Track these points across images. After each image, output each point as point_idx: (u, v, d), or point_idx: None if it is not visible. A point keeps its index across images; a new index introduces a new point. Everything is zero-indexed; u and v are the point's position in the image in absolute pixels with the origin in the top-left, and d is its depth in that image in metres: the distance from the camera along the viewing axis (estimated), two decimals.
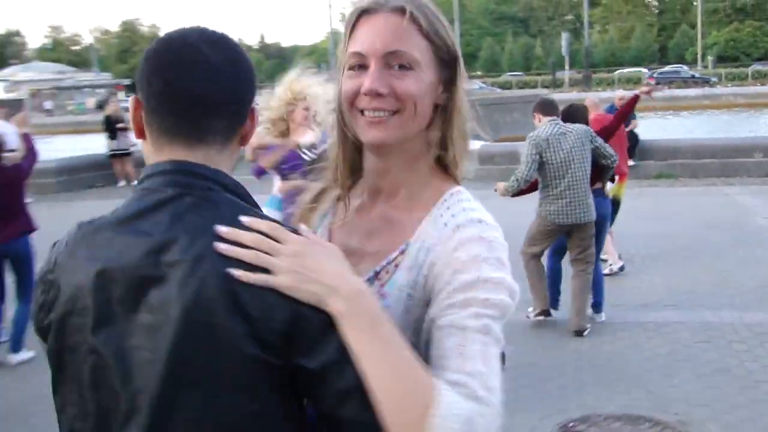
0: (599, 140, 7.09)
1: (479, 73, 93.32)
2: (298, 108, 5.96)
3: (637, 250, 9.82)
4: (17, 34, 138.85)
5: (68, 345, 1.53)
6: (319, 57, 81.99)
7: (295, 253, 1.44)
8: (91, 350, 1.48)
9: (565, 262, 7.27)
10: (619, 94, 17.00)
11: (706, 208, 12.56)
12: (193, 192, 1.52)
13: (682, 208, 12.63)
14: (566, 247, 7.22)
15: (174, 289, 1.40)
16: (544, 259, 7.30)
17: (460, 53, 1.76)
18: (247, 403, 1.42)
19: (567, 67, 62.79)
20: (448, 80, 1.74)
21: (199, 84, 1.54)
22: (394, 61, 1.64)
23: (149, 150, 1.61)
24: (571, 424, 5.29)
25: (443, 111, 1.74)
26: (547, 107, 7.31)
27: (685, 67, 67.15)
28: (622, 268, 9.02)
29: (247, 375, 1.41)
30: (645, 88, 10.87)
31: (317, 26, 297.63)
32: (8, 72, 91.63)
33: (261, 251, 1.42)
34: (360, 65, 1.67)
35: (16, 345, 7.16)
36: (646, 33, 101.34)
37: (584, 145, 6.90)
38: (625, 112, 8.96)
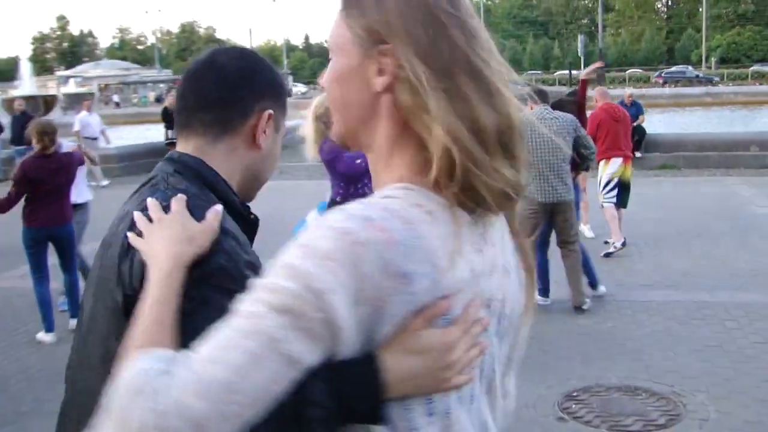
0: (583, 131, 7.05)
1: None
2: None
3: (642, 235, 9.72)
4: (90, 35, 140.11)
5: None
6: None
7: (154, 227, 1.47)
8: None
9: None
10: (628, 92, 16.94)
11: (706, 198, 12.43)
12: (157, 176, 1.65)
13: (684, 197, 12.52)
14: (548, 239, 7.16)
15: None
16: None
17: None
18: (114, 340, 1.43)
19: (582, 66, 62.06)
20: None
21: (186, 87, 1.72)
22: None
23: None
24: (574, 393, 5.25)
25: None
26: (539, 96, 7.23)
27: (690, 68, 66.65)
28: (624, 244, 8.98)
29: (115, 317, 1.49)
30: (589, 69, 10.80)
31: None
32: (81, 69, 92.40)
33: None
34: None
35: (74, 309, 7.24)
36: (655, 36, 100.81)
37: (567, 132, 6.83)
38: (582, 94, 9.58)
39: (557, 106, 7.42)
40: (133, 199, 1.64)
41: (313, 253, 1.12)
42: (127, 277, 1.47)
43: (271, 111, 1.68)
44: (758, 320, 6.53)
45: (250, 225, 1.70)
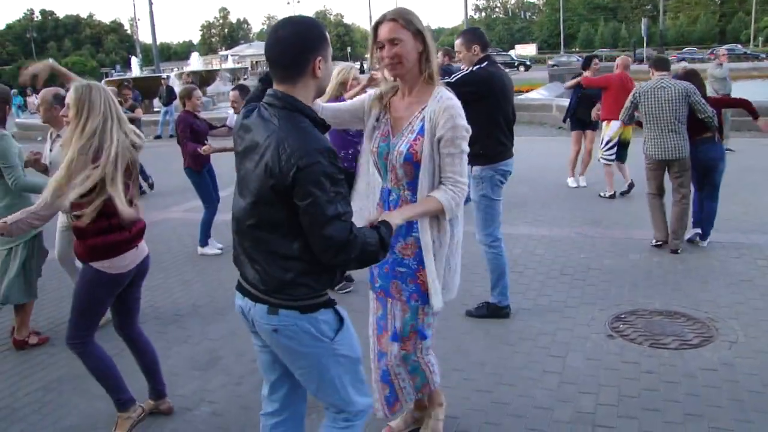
0: (697, 97, 6.35)
1: (577, 49, 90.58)
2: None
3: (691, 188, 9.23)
4: (245, 22, 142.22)
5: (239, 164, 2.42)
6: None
7: None
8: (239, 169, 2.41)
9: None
10: (682, 65, 16.03)
11: (746, 156, 11.71)
12: (273, 107, 2.30)
13: (728, 155, 11.81)
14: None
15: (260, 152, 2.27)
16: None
17: (425, 30, 2.85)
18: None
19: (645, 45, 59.43)
20: (422, 41, 2.85)
21: (267, 53, 2.31)
22: (394, 41, 2.82)
23: None
24: (622, 315, 5.06)
25: (424, 54, 2.87)
26: (658, 63, 6.74)
27: (740, 46, 62.88)
28: (623, 193, 9.02)
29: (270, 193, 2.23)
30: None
31: (456, 11, 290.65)
32: (237, 49, 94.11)
33: None
34: (381, 46, 2.87)
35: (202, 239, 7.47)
36: (709, 19, 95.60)
37: (680, 98, 6.32)
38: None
39: (683, 76, 6.77)
40: (263, 124, 2.27)
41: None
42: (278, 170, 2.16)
43: (320, 57, 2.30)
44: None
45: (324, 128, 2.37)
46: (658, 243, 6.69)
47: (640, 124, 6.89)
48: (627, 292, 5.55)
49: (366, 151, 3.11)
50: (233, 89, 7.45)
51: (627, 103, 6.79)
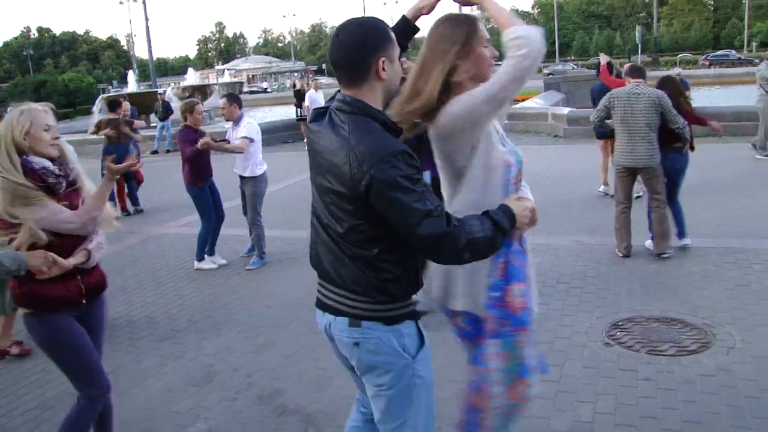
0: (667, 106, 6.31)
1: (572, 57, 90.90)
2: None
3: (685, 192, 9.21)
4: (241, 36, 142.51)
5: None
6: None
7: None
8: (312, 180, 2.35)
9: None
10: (676, 71, 16.05)
11: (742, 161, 11.71)
12: (343, 110, 2.20)
13: (723, 160, 11.84)
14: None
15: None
16: None
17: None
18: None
19: (639, 52, 59.63)
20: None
21: (331, 58, 2.21)
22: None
23: None
24: (620, 323, 5.04)
25: None
26: (633, 71, 6.75)
27: (733, 51, 63.05)
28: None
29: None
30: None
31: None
32: (234, 63, 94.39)
33: None
34: (485, 45, 2.52)
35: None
36: (703, 25, 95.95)
37: (652, 106, 6.30)
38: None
39: (658, 84, 6.74)
40: (334, 130, 2.18)
41: None
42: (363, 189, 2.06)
43: (383, 58, 2.18)
44: None
45: (397, 132, 2.23)
46: (625, 255, 6.65)
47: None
48: (624, 299, 5.54)
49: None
50: (222, 97, 7.45)
51: (600, 105, 6.78)
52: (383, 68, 2.18)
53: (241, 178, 7.35)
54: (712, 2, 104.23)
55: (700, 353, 4.47)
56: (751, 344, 4.54)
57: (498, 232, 2.18)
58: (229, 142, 7.30)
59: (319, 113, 2.33)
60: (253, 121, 7.38)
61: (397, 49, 2.25)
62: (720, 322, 4.94)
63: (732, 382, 4.05)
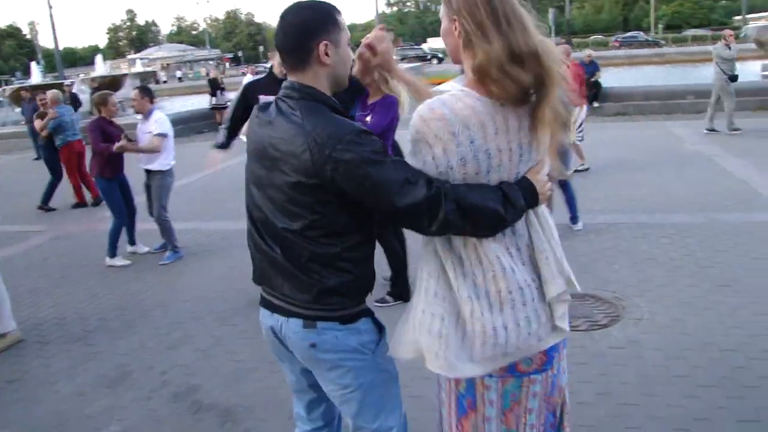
0: None
1: None
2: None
3: (596, 170, 9.54)
4: (154, 24, 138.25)
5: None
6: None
7: None
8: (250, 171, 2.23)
9: None
10: (587, 52, 16.52)
11: (650, 138, 12.17)
12: (290, 96, 2.09)
13: (632, 138, 12.29)
14: None
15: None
16: None
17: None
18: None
19: (553, 34, 61.03)
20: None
21: (276, 41, 2.13)
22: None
23: None
24: None
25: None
26: None
27: (642, 33, 65.31)
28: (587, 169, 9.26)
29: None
30: None
31: (367, 6, 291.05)
32: (147, 52, 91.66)
33: None
34: None
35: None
36: (613, 8, 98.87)
37: None
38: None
39: None
40: (284, 119, 2.04)
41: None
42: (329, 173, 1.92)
43: (325, 41, 2.06)
44: (687, 237, 6.38)
45: (347, 117, 2.08)
46: None
47: None
48: None
49: None
50: (135, 89, 7.23)
51: None
52: (326, 53, 2.06)
53: (148, 172, 7.14)
54: None
55: (610, 326, 4.62)
56: (657, 315, 4.73)
57: (507, 204, 1.88)
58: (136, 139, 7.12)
59: (264, 105, 2.20)
60: (163, 116, 7.18)
61: (344, 34, 2.12)
62: (629, 295, 5.12)
63: (640, 352, 4.21)
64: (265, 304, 2.27)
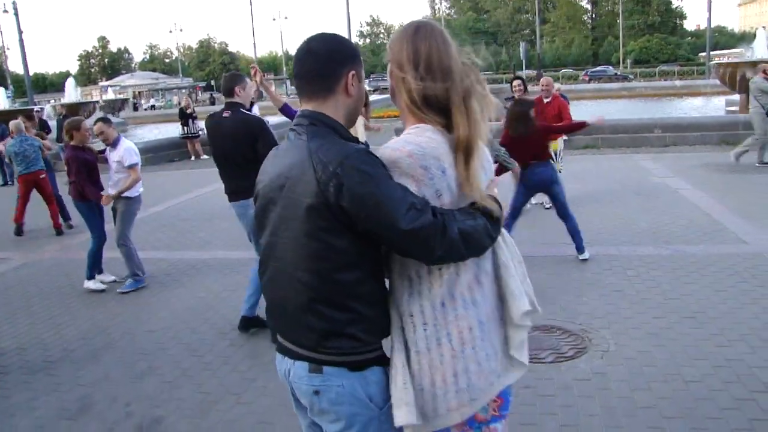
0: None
1: None
2: None
3: (569, 201, 9.63)
4: (126, 51, 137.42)
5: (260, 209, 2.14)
6: None
7: None
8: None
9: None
10: (556, 86, 16.78)
11: (618, 171, 12.37)
12: (301, 126, 2.04)
13: (601, 171, 12.47)
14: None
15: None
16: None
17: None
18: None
19: (524, 67, 62.01)
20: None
21: (296, 68, 2.09)
22: None
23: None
24: None
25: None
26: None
27: (611, 68, 66.71)
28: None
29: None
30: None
31: None
32: (119, 79, 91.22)
33: None
34: None
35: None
36: (582, 43, 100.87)
37: None
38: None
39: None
40: (292, 146, 2.04)
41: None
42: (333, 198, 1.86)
43: (353, 71, 2.07)
44: (653, 269, 6.47)
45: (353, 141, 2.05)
46: None
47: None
48: None
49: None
50: (96, 121, 7.19)
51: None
52: (352, 83, 2.05)
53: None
54: (590, 21, 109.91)
55: (577, 358, 4.66)
56: (624, 347, 4.78)
57: (491, 221, 1.97)
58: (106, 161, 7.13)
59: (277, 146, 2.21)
60: (131, 145, 7.16)
61: (363, 71, 2.13)
62: (596, 327, 5.16)
63: (606, 384, 4.25)
64: (279, 347, 2.16)
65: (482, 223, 1.94)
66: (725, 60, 28.42)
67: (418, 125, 1.99)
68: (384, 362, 2.05)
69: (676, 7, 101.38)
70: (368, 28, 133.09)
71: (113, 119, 22.21)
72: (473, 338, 1.95)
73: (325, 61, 2.04)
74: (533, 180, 6.92)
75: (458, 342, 1.94)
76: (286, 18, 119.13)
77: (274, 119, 16.28)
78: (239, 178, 5.29)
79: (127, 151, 6.97)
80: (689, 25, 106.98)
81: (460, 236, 1.88)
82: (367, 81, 58.43)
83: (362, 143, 2.04)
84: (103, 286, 7.12)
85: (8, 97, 35.02)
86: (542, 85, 9.63)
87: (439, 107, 1.99)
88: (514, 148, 7.06)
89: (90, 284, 7.11)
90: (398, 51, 2.03)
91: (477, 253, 1.97)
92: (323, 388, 1.99)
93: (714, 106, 28.39)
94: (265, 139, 5.22)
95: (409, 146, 1.91)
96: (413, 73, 1.99)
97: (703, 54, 56.16)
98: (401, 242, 1.88)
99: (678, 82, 48.02)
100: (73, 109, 23.33)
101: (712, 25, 57.03)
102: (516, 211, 7.02)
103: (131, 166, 6.91)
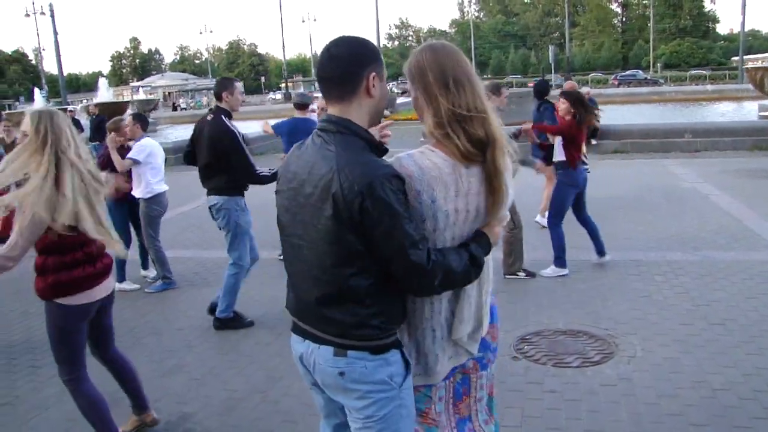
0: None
1: (489, 76, 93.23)
2: None
3: (594, 207, 9.53)
4: (157, 52, 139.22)
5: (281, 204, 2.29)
6: None
7: None
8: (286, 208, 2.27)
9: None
10: (586, 90, 16.71)
11: (647, 176, 12.26)
12: (327, 131, 2.16)
13: (629, 176, 12.36)
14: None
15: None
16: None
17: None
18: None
19: (553, 71, 61.72)
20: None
21: (319, 72, 2.21)
22: None
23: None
24: (527, 336, 5.17)
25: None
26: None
27: (641, 72, 66.13)
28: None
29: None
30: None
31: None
32: (149, 80, 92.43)
33: None
34: None
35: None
36: (612, 46, 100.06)
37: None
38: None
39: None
40: (319, 153, 2.13)
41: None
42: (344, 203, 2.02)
43: (374, 73, 2.16)
44: (681, 275, 6.42)
45: (381, 151, 2.20)
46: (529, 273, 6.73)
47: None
48: (532, 313, 5.68)
49: None
50: (129, 115, 7.24)
51: None
52: (373, 84, 2.16)
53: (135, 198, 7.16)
54: (621, 25, 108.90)
55: (603, 363, 4.63)
56: (650, 353, 4.74)
57: (473, 266, 2.17)
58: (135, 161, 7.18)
59: (301, 142, 2.30)
60: (147, 143, 7.10)
61: (385, 71, 2.24)
62: (622, 333, 5.13)
63: (632, 390, 4.22)
64: (297, 330, 2.31)
65: (466, 269, 2.15)
66: (759, 64, 27.98)
67: (432, 148, 2.17)
68: (400, 345, 2.24)
69: (709, 11, 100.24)
70: (397, 30, 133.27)
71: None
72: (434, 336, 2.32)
73: (346, 65, 2.16)
74: (579, 180, 6.82)
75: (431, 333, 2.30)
76: (315, 20, 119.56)
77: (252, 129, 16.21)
78: (211, 179, 5.68)
79: (138, 145, 7.02)
80: (722, 29, 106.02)
81: (442, 280, 2.10)
82: (394, 83, 58.57)
83: (378, 142, 2.23)
84: (136, 286, 7.17)
85: (43, 96, 35.71)
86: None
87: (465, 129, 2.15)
88: (576, 142, 6.66)
89: (122, 286, 7.14)
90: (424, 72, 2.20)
91: (450, 289, 2.23)
92: (348, 369, 2.17)
93: (746, 111, 28.01)
94: (238, 154, 5.53)
95: (413, 167, 2.11)
96: (442, 91, 2.16)
97: (736, 58, 55.47)
98: (398, 265, 2.07)
99: (709, 87, 47.51)
100: (110, 108, 23.55)
101: (746, 29, 56.20)
102: (563, 215, 6.89)
103: (128, 158, 6.90)
